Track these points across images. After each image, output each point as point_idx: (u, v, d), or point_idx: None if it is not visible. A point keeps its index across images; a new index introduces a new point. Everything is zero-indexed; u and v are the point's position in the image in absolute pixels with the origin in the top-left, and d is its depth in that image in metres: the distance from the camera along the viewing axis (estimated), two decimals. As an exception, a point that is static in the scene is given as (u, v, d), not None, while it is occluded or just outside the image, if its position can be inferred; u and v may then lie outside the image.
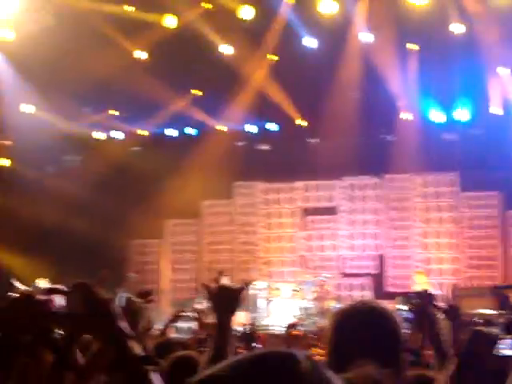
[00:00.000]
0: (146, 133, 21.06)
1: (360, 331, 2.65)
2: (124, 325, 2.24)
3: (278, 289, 18.51)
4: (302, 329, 14.94)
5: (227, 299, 3.26)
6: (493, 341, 3.61)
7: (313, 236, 20.85)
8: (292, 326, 8.03)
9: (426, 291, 4.90)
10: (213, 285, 3.32)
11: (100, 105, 20.16)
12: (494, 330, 3.87)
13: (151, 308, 7.14)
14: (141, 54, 19.14)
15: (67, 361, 2.88)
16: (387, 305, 3.01)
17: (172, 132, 21.08)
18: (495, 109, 18.91)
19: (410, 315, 3.70)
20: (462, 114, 19.23)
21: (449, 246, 19.89)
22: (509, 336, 3.53)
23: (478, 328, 3.93)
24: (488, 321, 7.47)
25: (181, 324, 17.48)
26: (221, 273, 3.42)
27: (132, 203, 19.28)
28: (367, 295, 19.78)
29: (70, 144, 20.17)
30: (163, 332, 8.01)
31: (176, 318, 8.99)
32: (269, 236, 21.13)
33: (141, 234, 20.79)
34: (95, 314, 2.23)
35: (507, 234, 19.59)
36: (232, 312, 3.27)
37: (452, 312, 4.38)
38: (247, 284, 3.37)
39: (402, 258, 20.14)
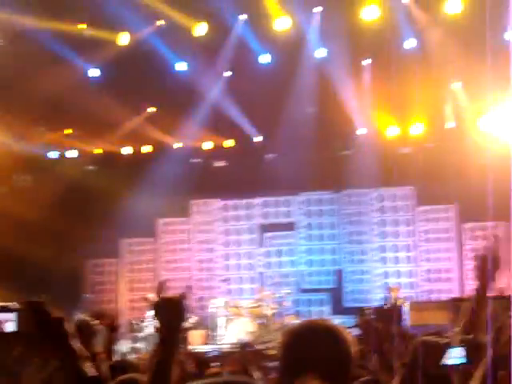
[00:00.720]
0: (100, 151, 20.86)
1: (309, 349, 2.63)
2: (77, 345, 2.14)
3: (236, 306, 18.41)
4: (262, 346, 14.86)
5: (169, 311, 3.07)
6: (439, 350, 3.55)
7: (271, 252, 20.80)
8: (246, 346, 7.87)
9: (383, 307, 4.86)
10: (155, 298, 3.15)
11: (53, 124, 19.92)
12: (441, 339, 3.80)
13: (106, 330, 6.98)
14: (94, 72, 18.99)
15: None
16: (338, 323, 2.98)
17: (127, 150, 20.90)
18: (449, 122, 19.10)
19: (356, 331, 3.64)
20: (417, 128, 19.38)
21: (406, 259, 19.98)
22: (458, 346, 3.48)
23: (424, 338, 3.88)
24: (439, 332, 7.43)
25: (138, 344, 17.34)
26: (189, 288, 3.29)
27: (87, 223, 19.04)
28: (326, 311, 19.78)
29: (22, 163, 19.88)
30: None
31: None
32: (227, 253, 21.02)
33: (96, 253, 20.55)
34: (47, 334, 2.12)
35: (463, 246, 19.74)
36: (176, 325, 3.06)
37: (389, 315, 4.32)
38: (186, 293, 3.21)
39: (360, 272, 20.18)
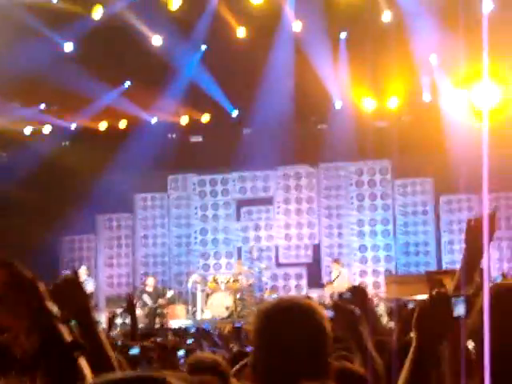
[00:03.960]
0: (76, 126, 20.66)
1: (283, 330, 2.55)
2: (51, 306, 2.06)
3: (215, 281, 18.42)
4: (242, 321, 14.88)
5: (70, 294, 2.80)
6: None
7: (249, 227, 20.78)
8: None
9: (358, 286, 4.80)
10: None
11: (28, 99, 19.69)
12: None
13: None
14: (70, 46, 18.76)
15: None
16: (312, 300, 2.92)
17: (103, 125, 20.71)
18: (426, 96, 19.09)
19: (330, 313, 3.55)
20: (393, 101, 19.35)
21: (383, 233, 20.03)
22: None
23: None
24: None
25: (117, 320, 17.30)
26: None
27: (64, 199, 18.91)
28: (303, 285, 19.84)
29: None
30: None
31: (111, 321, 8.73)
32: (204, 228, 20.98)
33: (73, 229, 20.44)
34: (19, 293, 2.05)
35: (440, 219, 19.83)
36: (83, 305, 2.81)
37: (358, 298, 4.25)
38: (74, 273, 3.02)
39: (337, 246, 20.22)
